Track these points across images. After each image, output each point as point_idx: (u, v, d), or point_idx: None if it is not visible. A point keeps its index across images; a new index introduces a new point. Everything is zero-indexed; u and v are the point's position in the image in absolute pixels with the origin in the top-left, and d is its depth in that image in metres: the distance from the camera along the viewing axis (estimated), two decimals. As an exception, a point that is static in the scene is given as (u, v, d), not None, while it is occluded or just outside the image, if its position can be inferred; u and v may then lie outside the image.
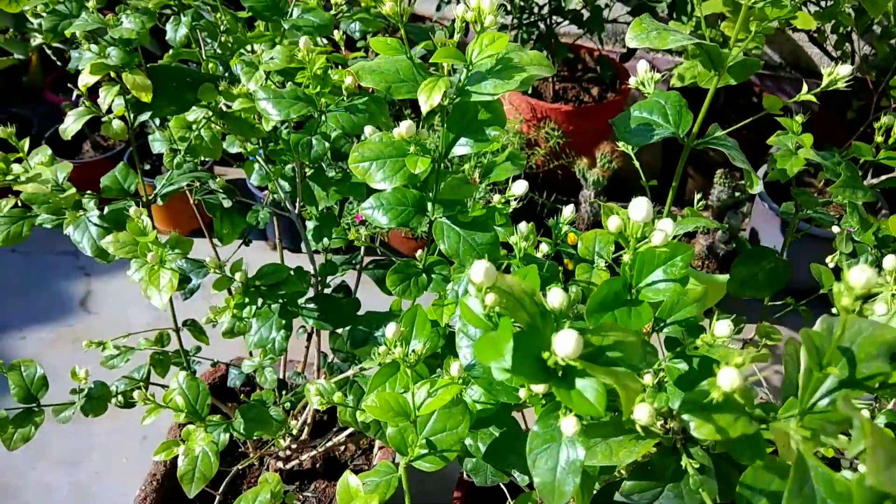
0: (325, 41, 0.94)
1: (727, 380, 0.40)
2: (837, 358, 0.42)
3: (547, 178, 2.02)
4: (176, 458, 0.79)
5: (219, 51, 0.91)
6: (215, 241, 1.06)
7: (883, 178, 0.83)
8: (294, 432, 1.14)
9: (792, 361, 0.47)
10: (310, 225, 1.00)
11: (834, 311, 0.41)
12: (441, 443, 0.65)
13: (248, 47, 0.89)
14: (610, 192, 1.85)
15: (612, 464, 0.51)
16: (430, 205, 0.72)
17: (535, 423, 0.50)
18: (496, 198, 0.77)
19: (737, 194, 1.68)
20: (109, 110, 0.81)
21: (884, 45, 1.62)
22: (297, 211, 0.99)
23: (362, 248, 1.09)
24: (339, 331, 1.02)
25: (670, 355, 0.56)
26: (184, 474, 0.78)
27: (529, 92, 2.00)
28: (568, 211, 0.78)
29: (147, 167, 2.02)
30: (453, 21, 0.65)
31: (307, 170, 0.94)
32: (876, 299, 0.59)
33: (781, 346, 0.52)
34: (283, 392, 1.09)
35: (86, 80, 0.76)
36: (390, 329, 0.64)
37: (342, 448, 1.31)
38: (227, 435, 0.82)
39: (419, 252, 0.81)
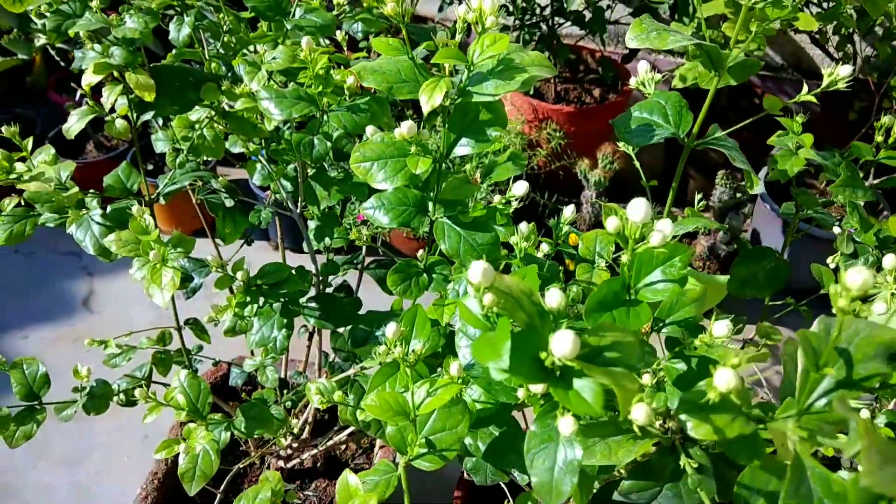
0: (327, 42, 0.94)
1: (723, 380, 0.41)
2: (835, 359, 0.43)
3: (549, 179, 2.02)
4: (177, 456, 0.79)
5: (222, 51, 0.91)
6: (218, 240, 1.07)
7: (884, 178, 0.83)
8: (295, 431, 1.14)
9: (791, 362, 0.47)
10: (312, 224, 1.00)
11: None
12: (440, 442, 0.65)
13: (251, 47, 0.89)
14: (611, 193, 1.85)
15: (611, 463, 0.51)
16: (431, 205, 0.73)
17: (532, 423, 0.50)
18: (496, 198, 0.77)
19: (738, 195, 1.68)
20: (112, 109, 0.81)
21: (885, 46, 1.62)
22: (298, 210, 0.99)
23: (364, 248, 1.09)
24: (341, 330, 1.03)
25: (669, 355, 0.57)
26: (184, 472, 0.78)
27: (531, 93, 2.01)
28: (568, 211, 0.78)
29: (150, 167, 2.03)
30: (456, 22, 0.65)
31: (309, 169, 0.94)
32: (875, 298, 0.59)
33: (782, 346, 0.52)
34: (285, 391, 1.10)
35: (89, 79, 0.76)
36: (390, 329, 0.64)
37: (343, 447, 1.32)
38: (228, 433, 0.82)
39: (420, 252, 0.81)
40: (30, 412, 0.81)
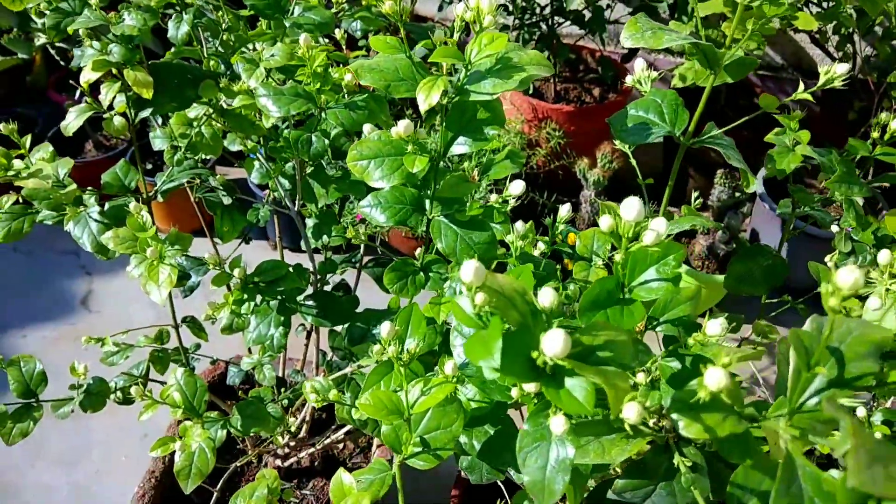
0: (326, 40, 0.94)
1: (714, 380, 0.41)
2: (826, 358, 0.43)
3: (548, 179, 2.02)
4: (174, 454, 0.79)
5: (220, 49, 0.91)
6: (216, 240, 1.07)
7: (881, 175, 0.83)
8: (292, 430, 1.14)
9: (785, 361, 0.47)
10: (309, 223, 1.01)
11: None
12: (435, 441, 0.65)
13: (250, 46, 0.89)
14: (611, 192, 1.85)
15: (605, 462, 0.51)
16: (428, 203, 0.73)
17: (525, 422, 0.51)
18: (493, 197, 0.77)
19: (737, 195, 1.68)
20: (111, 107, 0.81)
21: (885, 46, 1.62)
22: (296, 209, 0.99)
23: (362, 247, 1.10)
24: (339, 328, 1.03)
25: (663, 354, 0.57)
26: (180, 470, 0.78)
27: (531, 92, 2.01)
28: (565, 210, 0.78)
29: (149, 167, 2.03)
30: (455, 21, 0.65)
31: (307, 167, 0.94)
32: (870, 294, 0.59)
33: (777, 344, 0.52)
34: (282, 390, 1.10)
35: (88, 76, 0.76)
36: (385, 328, 0.65)
37: (341, 446, 1.32)
38: (225, 431, 0.83)
39: (418, 251, 0.81)
40: (27, 409, 0.81)
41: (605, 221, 0.50)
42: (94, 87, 0.80)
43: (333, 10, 0.92)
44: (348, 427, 1.16)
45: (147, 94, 0.77)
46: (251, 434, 1.10)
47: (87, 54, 0.78)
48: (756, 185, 0.74)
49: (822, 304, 0.39)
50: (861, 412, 0.81)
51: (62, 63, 2.15)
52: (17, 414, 0.80)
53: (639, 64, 0.79)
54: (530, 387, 0.50)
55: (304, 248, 1.03)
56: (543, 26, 1.95)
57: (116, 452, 1.56)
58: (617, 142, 0.79)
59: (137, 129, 0.87)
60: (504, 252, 0.78)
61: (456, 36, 0.65)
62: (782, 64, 2.20)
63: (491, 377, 0.46)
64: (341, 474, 0.67)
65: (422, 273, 0.78)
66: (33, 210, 0.82)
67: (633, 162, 0.85)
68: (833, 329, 0.42)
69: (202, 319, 0.99)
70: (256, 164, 0.99)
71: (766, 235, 1.81)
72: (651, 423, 0.52)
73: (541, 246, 0.80)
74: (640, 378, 0.57)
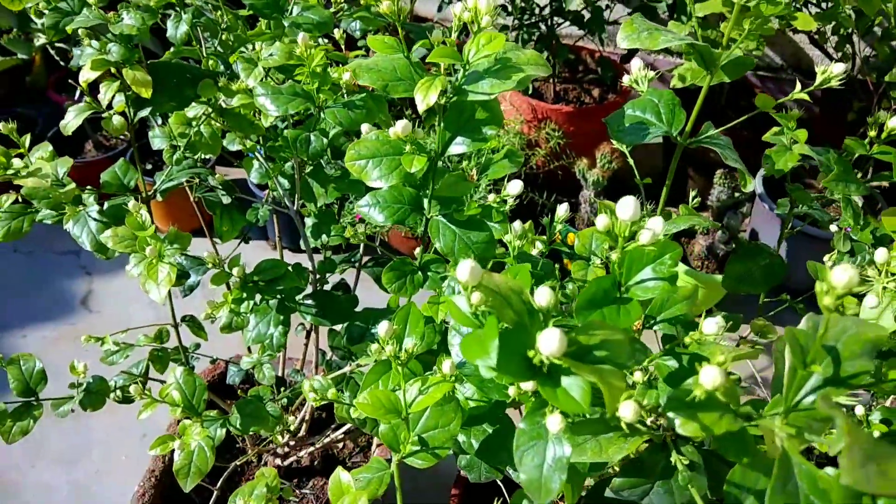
0: (325, 41, 0.95)
1: (709, 378, 0.41)
2: (822, 356, 0.43)
3: (547, 179, 2.03)
4: (174, 453, 0.79)
5: (219, 49, 0.91)
6: (216, 240, 1.07)
7: (878, 174, 0.83)
8: (292, 429, 1.14)
9: (781, 359, 0.47)
10: (309, 222, 1.01)
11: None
12: (433, 440, 0.65)
13: (249, 45, 0.90)
14: (610, 193, 1.86)
15: (602, 460, 0.51)
16: (426, 203, 0.73)
17: (521, 421, 0.51)
18: (491, 197, 0.77)
19: (736, 195, 1.68)
20: (110, 106, 0.82)
21: (884, 46, 1.62)
22: (295, 208, 1.00)
23: (361, 247, 1.10)
24: (338, 328, 1.03)
25: (660, 352, 0.57)
26: (179, 469, 0.78)
27: (530, 93, 2.01)
28: (562, 209, 0.78)
29: (149, 167, 2.04)
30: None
31: (306, 167, 0.95)
32: (866, 292, 0.59)
33: (774, 343, 0.53)
34: (282, 389, 1.10)
35: (87, 75, 0.76)
36: (382, 327, 0.65)
37: (340, 445, 1.32)
38: (224, 430, 0.83)
39: (418, 251, 0.82)
40: (27, 408, 0.81)
41: (601, 221, 0.50)
42: (94, 87, 0.80)
43: (332, 10, 0.92)
44: (348, 426, 1.16)
45: (146, 93, 0.77)
46: (250, 433, 1.10)
47: (86, 53, 0.78)
48: (754, 185, 0.74)
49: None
50: (859, 410, 0.82)
51: (62, 63, 2.15)
52: (17, 412, 0.81)
53: (636, 63, 0.79)
54: (527, 385, 0.50)
55: (303, 247, 1.03)
56: (543, 27, 1.96)
57: (116, 452, 1.56)
58: (614, 142, 0.80)
59: (137, 130, 0.87)
60: (503, 252, 0.78)
61: (454, 36, 0.65)
62: (782, 65, 2.20)
63: (487, 376, 0.46)
64: (339, 473, 0.67)
65: (420, 272, 0.78)
66: (33, 209, 0.82)
67: (631, 162, 0.86)
68: (828, 327, 0.42)
69: (202, 319, 0.99)
70: (256, 163, 0.99)
71: (766, 235, 1.81)
72: (649, 421, 0.52)
73: (538, 245, 0.80)
74: (638, 377, 0.57)
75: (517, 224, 0.75)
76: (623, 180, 1.88)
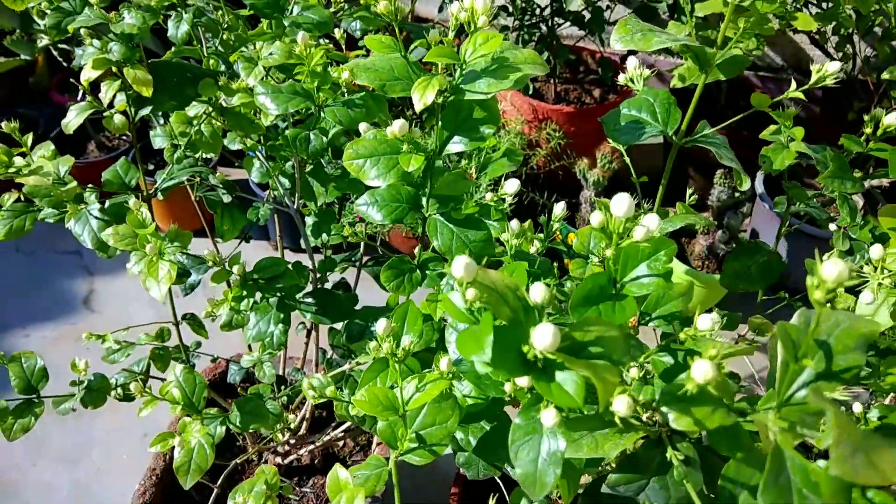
0: (326, 41, 0.95)
1: (701, 372, 0.41)
2: (814, 350, 0.43)
3: (548, 179, 2.03)
4: (175, 452, 0.80)
5: (220, 48, 0.92)
6: (217, 239, 1.07)
7: (875, 171, 0.83)
8: (292, 427, 1.15)
9: (775, 354, 0.48)
10: (309, 221, 1.01)
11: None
12: (431, 437, 0.65)
13: (250, 45, 0.90)
14: (610, 193, 1.85)
15: (598, 456, 0.52)
16: (424, 201, 0.73)
17: (517, 416, 0.51)
18: (488, 196, 0.78)
19: (737, 194, 1.68)
20: (111, 105, 0.82)
21: (884, 46, 1.63)
22: (295, 207, 1.00)
23: (362, 246, 1.10)
24: (338, 327, 1.04)
25: (656, 349, 0.57)
26: (179, 466, 0.79)
27: (531, 93, 2.01)
28: (559, 208, 0.79)
29: (151, 167, 2.04)
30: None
31: (307, 166, 0.95)
32: (863, 288, 0.60)
33: (769, 340, 0.53)
34: (283, 387, 1.10)
35: (88, 74, 0.77)
36: (380, 325, 0.65)
37: (341, 444, 1.32)
38: (224, 428, 0.83)
39: (417, 250, 0.82)
40: (28, 405, 0.82)
41: (595, 217, 0.51)
42: (95, 86, 0.81)
43: (332, 10, 0.93)
44: (348, 424, 1.16)
45: (147, 92, 0.78)
46: (250, 430, 1.11)
47: (88, 53, 0.78)
48: (750, 184, 0.74)
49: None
50: (857, 408, 0.82)
51: (65, 64, 2.16)
52: (18, 410, 0.81)
53: (631, 62, 0.79)
54: (523, 381, 0.50)
55: (303, 246, 1.03)
56: (543, 27, 1.96)
57: (117, 451, 1.57)
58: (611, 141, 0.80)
59: (139, 131, 0.88)
60: (502, 251, 0.79)
61: (451, 35, 0.66)
62: (782, 65, 2.20)
63: (482, 371, 0.46)
64: (337, 469, 0.67)
65: (418, 270, 0.78)
66: (35, 208, 0.83)
67: (627, 160, 0.86)
68: (821, 322, 0.43)
69: (202, 317, 0.99)
70: (256, 162, 1.00)
71: (767, 235, 1.82)
72: (644, 417, 0.52)
73: (536, 244, 0.80)
74: (634, 373, 0.58)
75: (514, 223, 0.76)
76: (623, 180, 1.88)
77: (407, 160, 0.67)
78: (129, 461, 1.54)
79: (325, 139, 0.81)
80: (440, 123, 0.69)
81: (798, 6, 1.69)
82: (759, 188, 1.77)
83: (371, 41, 0.67)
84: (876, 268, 0.64)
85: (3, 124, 0.82)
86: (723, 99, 2.03)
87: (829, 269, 0.37)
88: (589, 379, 0.43)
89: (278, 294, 0.89)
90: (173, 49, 0.89)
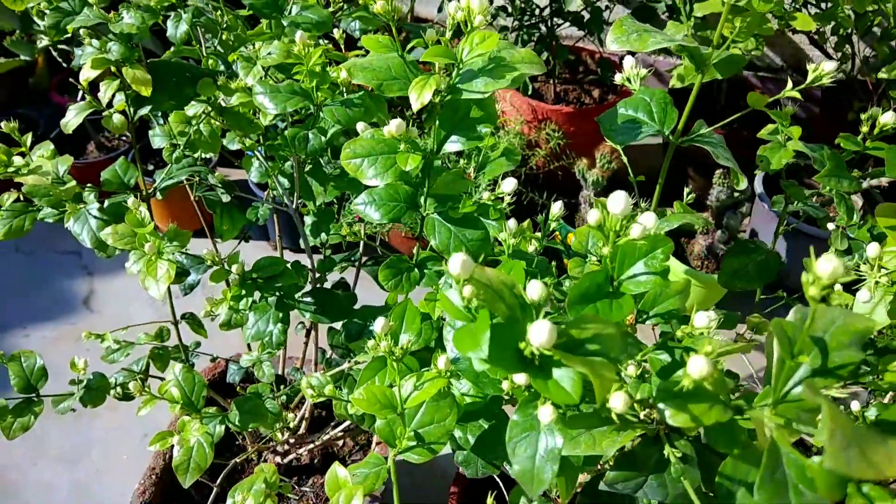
0: (325, 41, 0.95)
1: (696, 367, 0.41)
2: (810, 347, 0.43)
3: (547, 179, 2.03)
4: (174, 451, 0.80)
5: (219, 48, 0.92)
6: (216, 240, 1.08)
7: (873, 170, 0.84)
8: (292, 426, 1.15)
9: (771, 351, 0.48)
10: (308, 220, 1.01)
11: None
12: (429, 435, 0.66)
13: (249, 45, 0.90)
14: (609, 193, 1.86)
15: (595, 453, 0.52)
16: (422, 200, 0.73)
17: (514, 413, 0.51)
18: (485, 195, 0.78)
19: (736, 194, 1.68)
20: (110, 105, 0.82)
21: (883, 46, 1.63)
22: (294, 206, 1.00)
23: (361, 245, 1.10)
24: (338, 326, 1.04)
25: (653, 346, 0.57)
26: (179, 465, 0.79)
27: (530, 93, 2.02)
28: (557, 207, 0.79)
29: (151, 168, 2.05)
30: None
31: (306, 165, 0.95)
32: (860, 286, 0.60)
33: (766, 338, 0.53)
34: (282, 387, 1.10)
35: (87, 74, 0.77)
36: (379, 323, 0.65)
37: (340, 444, 1.33)
38: (223, 426, 0.83)
39: (416, 249, 0.82)
40: (27, 404, 0.82)
41: (592, 215, 0.51)
42: (94, 86, 0.81)
43: (331, 10, 0.93)
44: (347, 424, 1.17)
45: (146, 91, 0.78)
46: (250, 430, 1.11)
47: (87, 52, 0.79)
48: (747, 183, 0.75)
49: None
50: (856, 406, 0.82)
51: (64, 65, 2.16)
52: (17, 408, 0.81)
53: (628, 62, 0.79)
54: (520, 378, 0.50)
55: (303, 246, 1.03)
56: (542, 27, 1.96)
57: (117, 451, 1.57)
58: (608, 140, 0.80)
59: (139, 131, 0.88)
60: (500, 250, 0.79)
61: (449, 35, 0.66)
62: (782, 65, 2.21)
63: (480, 368, 0.46)
64: (336, 468, 0.68)
65: (416, 269, 0.78)
66: (34, 207, 0.83)
67: (625, 159, 0.86)
68: (816, 319, 0.43)
69: (201, 316, 1.00)
70: (255, 162, 1.00)
71: (766, 235, 1.82)
72: (642, 415, 0.53)
73: (534, 243, 0.80)
74: (631, 371, 0.58)
75: (511, 222, 0.76)
76: (623, 180, 1.88)
77: (404, 159, 0.67)
78: (128, 461, 1.54)
79: (323, 139, 0.81)
80: (437, 123, 0.69)
81: (797, 6, 1.70)
82: (759, 188, 1.77)
83: (368, 41, 0.67)
84: (873, 266, 0.64)
85: (2, 124, 0.82)
86: (723, 99, 2.03)
87: (824, 265, 0.37)
88: (586, 376, 0.43)
89: (277, 293, 0.89)
90: (172, 49, 0.90)
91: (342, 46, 0.99)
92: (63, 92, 2.30)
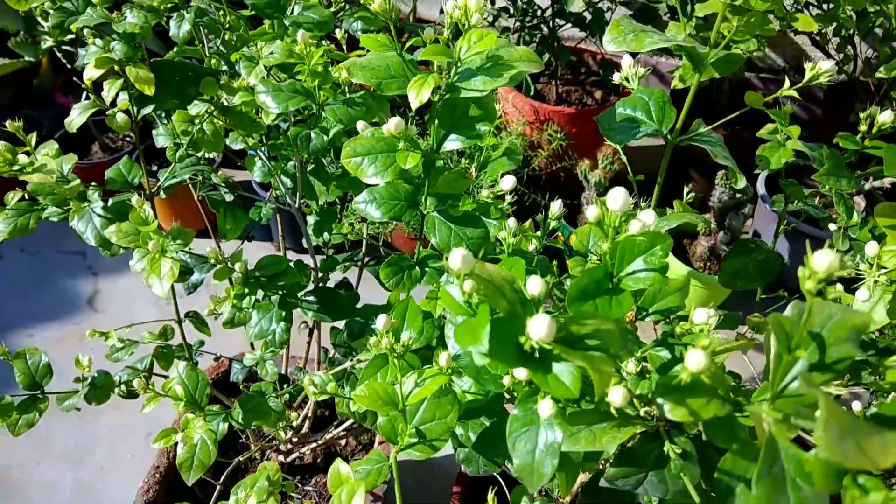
0: (328, 41, 0.96)
1: (694, 361, 0.42)
2: (807, 342, 0.43)
3: (550, 180, 2.04)
4: (178, 450, 0.81)
5: (222, 48, 0.93)
6: (220, 240, 1.08)
7: (871, 169, 0.84)
8: (295, 425, 1.15)
9: (769, 347, 0.48)
10: (311, 220, 1.02)
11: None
12: (430, 432, 0.66)
13: (252, 45, 0.91)
14: (612, 194, 1.86)
15: (595, 449, 0.52)
16: (423, 199, 0.74)
17: (514, 407, 0.52)
18: (484, 192, 0.78)
19: (738, 195, 1.68)
20: (114, 104, 0.83)
21: (885, 47, 1.63)
22: (297, 206, 1.01)
23: (364, 245, 1.11)
24: (340, 325, 1.04)
25: (652, 343, 0.58)
26: (182, 462, 0.79)
27: (532, 94, 2.02)
28: (556, 206, 0.79)
29: (155, 168, 2.05)
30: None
31: (308, 165, 0.96)
32: (860, 285, 0.60)
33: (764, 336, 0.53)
34: (285, 386, 1.11)
35: (90, 73, 0.78)
36: (380, 321, 0.66)
37: (343, 443, 1.33)
38: (226, 424, 0.84)
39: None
40: (32, 401, 0.83)
41: (591, 211, 0.51)
42: (98, 86, 0.82)
43: (332, 10, 0.93)
44: (349, 423, 1.17)
45: (149, 90, 0.79)
46: (253, 429, 1.11)
47: (90, 52, 0.79)
48: (745, 182, 0.75)
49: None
50: (857, 406, 0.82)
51: (68, 66, 2.17)
52: (22, 405, 0.82)
53: (626, 61, 0.80)
54: (521, 373, 0.51)
55: (305, 246, 1.04)
56: (544, 28, 1.97)
57: (121, 450, 1.58)
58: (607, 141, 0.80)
59: (143, 132, 0.89)
60: (501, 250, 0.79)
61: (447, 34, 0.66)
62: (784, 66, 2.21)
63: (480, 362, 0.47)
64: (338, 464, 0.68)
65: (417, 267, 0.79)
66: (39, 206, 0.84)
67: (624, 159, 0.87)
68: (813, 314, 0.43)
69: (205, 315, 1.00)
70: (259, 162, 1.00)
71: (768, 236, 1.82)
72: (642, 412, 0.53)
73: (534, 242, 0.81)
74: (631, 367, 0.58)
75: (511, 221, 0.76)
76: (624, 181, 1.88)
77: (404, 157, 0.67)
78: (132, 460, 1.55)
79: (325, 138, 0.82)
80: (436, 121, 0.69)
81: (799, 7, 1.70)
82: (761, 189, 1.78)
83: (367, 40, 0.68)
84: (872, 265, 0.64)
85: (7, 123, 0.83)
86: (724, 100, 2.03)
87: (820, 259, 0.37)
88: (585, 370, 0.44)
89: (280, 292, 0.90)
90: (175, 49, 0.90)
91: (344, 47, 0.99)
92: (67, 93, 2.31)
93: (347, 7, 0.98)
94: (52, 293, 1.95)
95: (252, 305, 0.90)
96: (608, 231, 0.52)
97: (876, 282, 0.62)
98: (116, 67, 0.79)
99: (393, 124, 0.67)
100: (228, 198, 0.99)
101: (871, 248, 0.62)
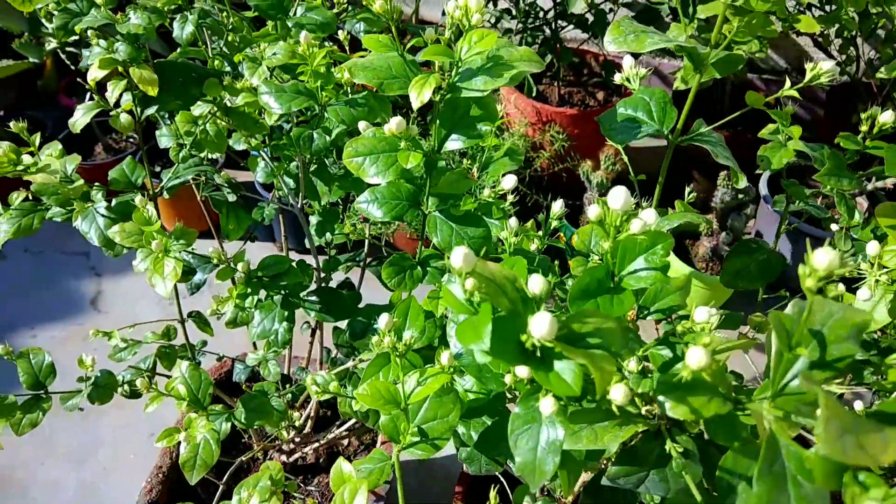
0: (330, 43, 0.96)
1: (695, 358, 0.42)
2: (808, 340, 0.44)
3: (552, 181, 2.04)
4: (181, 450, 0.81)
5: (225, 49, 0.93)
6: (224, 241, 1.09)
7: (871, 169, 0.84)
8: (297, 425, 1.16)
9: (770, 345, 0.48)
10: (313, 220, 1.02)
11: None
12: (432, 431, 0.66)
13: (255, 46, 0.91)
14: (614, 195, 1.86)
15: (597, 448, 0.52)
16: (425, 198, 0.74)
17: (516, 405, 0.52)
18: (486, 192, 0.79)
19: (740, 196, 1.68)
20: (118, 104, 0.83)
21: (887, 48, 1.63)
22: (299, 206, 1.01)
23: (366, 245, 1.11)
24: (342, 325, 1.04)
25: (654, 341, 0.58)
26: (185, 461, 0.80)
27: (535, 95, 2.02)
28: (557, 206, 0.79)
29: (158, 169, 2.06)
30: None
31: (311, 165, 0.96)
32: (860, 285, 0.60)
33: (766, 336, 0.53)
34: (287, 385, 1.11)
35: (94, 73, 0.78)
36: (382, 320, 0.66)
37: (345, 443, 1.33)
38: (229, 424, 0.84)
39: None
40: (36, 400, 0.83)
41: (593, 210, 0.52)
42: (102, 87, 0.82)
43: (335, 11, 0.94)
44: (352, 423, 1.17)
45: (152, 91, 0.79)
46: (256, 428, 1.11)
47: (94, 53, 0.80)
48: (746, 182, 0.75)
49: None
50: (859, 406, 0.82)
51: (72, 68, 2.18)
52: (26, 405, 0.82)
53: (627, 62, 0.80)
54: (522, 371, 0.51)
55: (308, 246, 1.04)
56: (547, 30, 1.97)
57: (124, 450, 1.58)
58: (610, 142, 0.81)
59: (147, 134, 0.89)
60: (502, 249, 0.80)
61: (448, 34, 0.67)
62: (786, 68, 2.21)
63: (482, 360, 0.47)
64: (341, 463, 0.68)
65: (419, 267, 0.79)
66: (43, 206, 0.84)
67: (626, 159, 0.87)
68: (814, 311, 0.43)
69: (208, 315, 1.01)
70: (261, 163, 1.01)
71: (770, 237, 1.81)
72: (644, 410, 0.53)
73: (536, 241, 0.81)
74: (632, 366, 0.58)
75: (513, 220, 0.77)
76: (626, 182, 1.89)
77: (405, 157, 0.67)
78: (135, 460, 1.55)
79: (328, 138, 0.82)
80: (438, 121, 0.70)
81: (801, 8, 1.70)
82: (763, 190, 1.78)
83: (369, 40, 0.68)
84: (873, 264, 0.64)
85: (11, 124, 0.84)
86: (726, 101, 2.04)
87: (820, 257, 0.37)
88: (586, 368, 0.44)
89: (282, 292, 0.90)
90: (179, 50, 0.91)
91: (347, 48, 1.00)
92: (71, 94, 2.32)
93: (350, 8, 0.99)
94: (55, 293, 1.96)
95: (255, 305, 0.90)
96: (609, 230, 0.52)
97: (877, 281, 0.62)
98: (120, 68, 0.79)
99: (394, 124, 0.68)
100: (231, 198, 0.99)
101: (873, 247, 0.62)
